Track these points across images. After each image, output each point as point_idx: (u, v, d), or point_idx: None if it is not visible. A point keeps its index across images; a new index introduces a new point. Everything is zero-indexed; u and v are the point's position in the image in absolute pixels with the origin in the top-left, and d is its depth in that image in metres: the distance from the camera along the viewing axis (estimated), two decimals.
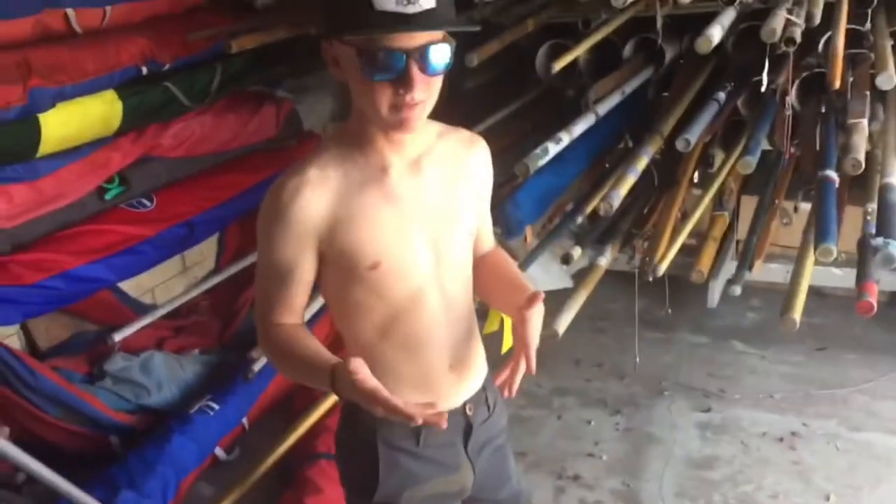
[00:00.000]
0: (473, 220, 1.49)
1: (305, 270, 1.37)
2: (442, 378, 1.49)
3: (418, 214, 1.39)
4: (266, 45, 3.11)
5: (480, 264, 1.57)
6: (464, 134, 1.49)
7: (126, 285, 3.20)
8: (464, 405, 1.53)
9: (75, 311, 3.07)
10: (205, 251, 3.66)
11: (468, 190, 1.47)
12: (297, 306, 1.41)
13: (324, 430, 2.80)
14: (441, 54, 1.25)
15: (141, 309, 3.24)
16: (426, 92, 1.27)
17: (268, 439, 2.78)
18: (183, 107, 3.03)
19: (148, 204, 3.09)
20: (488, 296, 1.60)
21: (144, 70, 2.81)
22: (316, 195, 1.32)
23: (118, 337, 2.98)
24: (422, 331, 1.45)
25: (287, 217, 1.32)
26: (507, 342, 1.91)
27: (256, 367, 2.87)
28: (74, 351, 2.97)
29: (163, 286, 3.47)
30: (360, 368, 1.20)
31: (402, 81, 1.23)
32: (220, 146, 3.35)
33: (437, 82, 1.30)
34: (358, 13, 1.20)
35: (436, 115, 1.37)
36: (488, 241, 1.62)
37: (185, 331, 3.32)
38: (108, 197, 2.97)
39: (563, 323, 2.70)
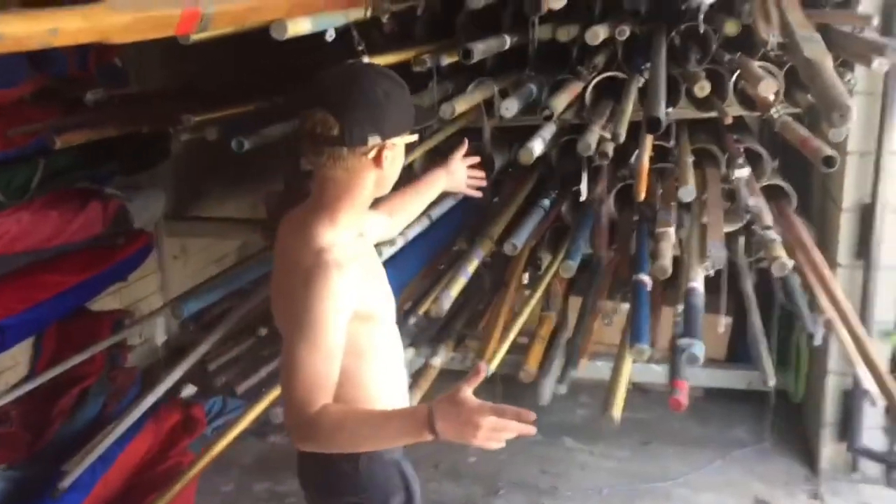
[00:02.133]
0: None
1: (343, 346, 1.56)
2: None
3: (379, 266, 1.79)
4: (95, 141, 3.02)
5: (391, 208, 2.00)
6: None
7: None
8: None
9: None
10: (17, 356, 3.41)
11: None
12: (334, 387, 1.54)
13: None
14: None
15: None
16: None
17: None
18: None
19: None
20: (419, 205, 2.12)
21: None
22: (350, 270, 1.55)
23: None
24: (402, 361, 1.84)
25: (342, 294, 1.53)
26: None
27: (67, 482, 2.66)
28: None
29: None
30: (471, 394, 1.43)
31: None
32: (39, 244, 3.17)
33: None
34: (411, 114, 1.65)
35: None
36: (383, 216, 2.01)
37: None
38: None
39: None
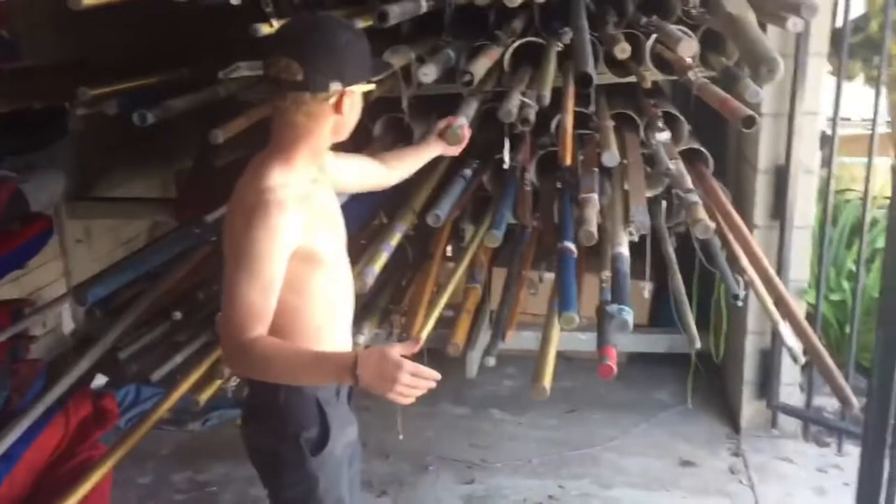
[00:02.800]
0: None
1: (281, 281, 1.63)
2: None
3: (335, 211, 1.85)
4: None
5: (395, 162, 2.24)
6: None
7: None
8: None
9: None
10: None
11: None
12: (269, 319, 1.62)
13: None
14: None
15: None
16: None
17: None
18: None
19: None
20: (417, 163, 2.31)
21: None
22: (293, 211, 1.62)
23: None
24: (350, 303, 1.91)
25: (282, 232, 1.59)
26: None
27: None
28: None
29: None
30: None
31: None
32: None
33: None
34: (370, 64, 1.76)
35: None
36: (373, 163, 2.19)
37: None
38: None
39: None
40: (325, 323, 1.82)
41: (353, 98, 1.70)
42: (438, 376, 1.56)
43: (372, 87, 1.79)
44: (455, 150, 2.39)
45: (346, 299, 1.91)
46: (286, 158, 1.69)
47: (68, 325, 4.30)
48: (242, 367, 1.69)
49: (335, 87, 1.64)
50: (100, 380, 3.53)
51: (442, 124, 2.35)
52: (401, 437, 3.25)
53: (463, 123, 2.40)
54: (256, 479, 1.94)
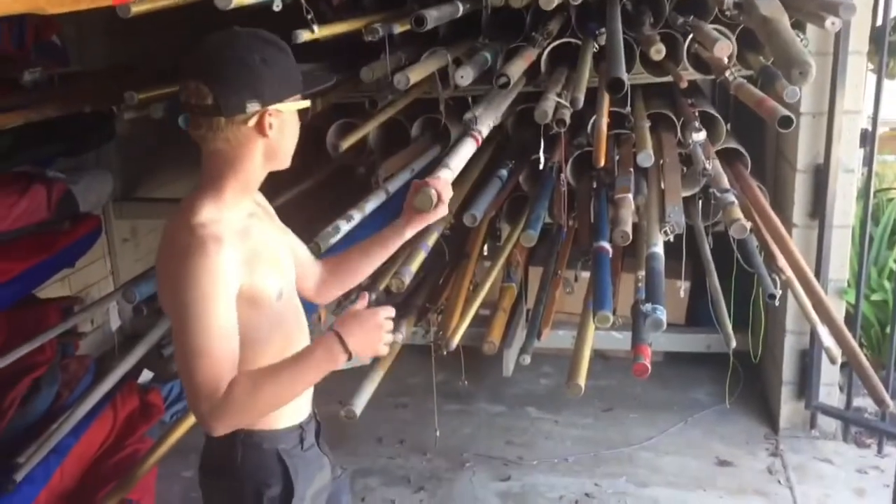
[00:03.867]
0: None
1: (236, 321, 1.47)
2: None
3: (278, 246, 1.66)
4: (35, 123, 2.90)
5: (335, 267, 1.89)
6: None
7: None
8: (313, 409, 1.79)
9: None
10: None
11: (279, 226, 1.76)
12: (237, 362, 1.46)
13: None
14: None
15: None
16: None
17: None
18: None
19: None
20: (365, 268, 1.89)
21: None
22: (232, 241, 1.48)
23: None
24: (301, 346, 1.65)
25: (222, 269, 1.43)
26: None
27: (20, 475, 2.58)
28: None
29: None
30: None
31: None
32: None
33: None
34: (300, 76, 1.56)
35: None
36: (311, 257, 1.90)
37: None
38: None
39: (360, 402, 2.65)
40: None
41: (281, 118, 1.52)
42: (392, 310, 1.54)
43: (305, 103, 1.58)
44: (430, 218, 1.83)
45: (299, 343, 1.69)
46: (216, 193, 1.52)
47: (115, 322, 4.40)
48: (231, 421, 1.45)
49: (252, 107, 1.47)
50: (146, 375, 3.61)
51: (411, 192, 1.83)
52: (437, 433, 3.29)
53: (442, 181, 1.87)
54: None
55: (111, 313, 4.40)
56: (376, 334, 1.47)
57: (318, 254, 2.74)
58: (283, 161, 1.60)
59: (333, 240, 2.75)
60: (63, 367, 3.41)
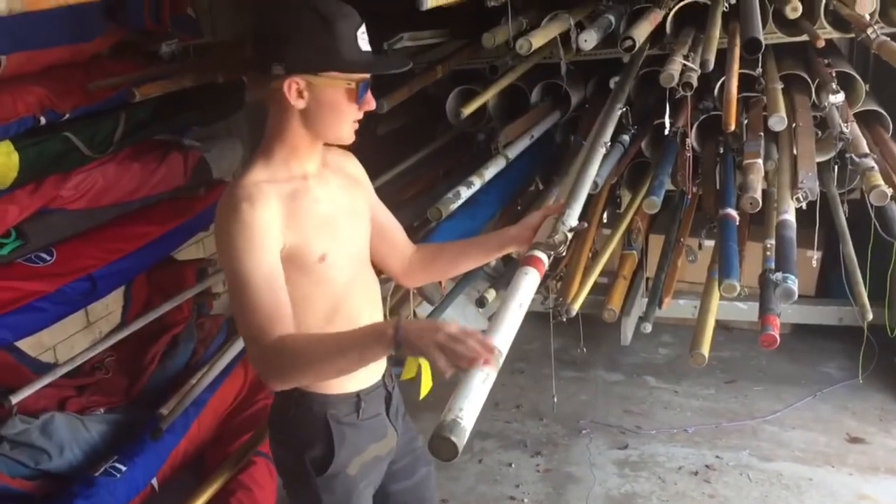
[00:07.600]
0: (369, 220, 1.75)
1: (282, 274, 1.50)
2: None
3: (338, 212, 1.63)
4: (171, 93, 3.05)
5: (429, 255, 1.88)
6: (337, 149, 1.72)
7: (24, 344, 3.04)
8: (383, 377, 1.75)
9: None
10: (110, 305, 3.52)
11: (361, 194, 1.75)
12: (289, 315, 1.49)
13: (239, 486, 2.71)
14: None
15: (41, 368, 3.07)
16: None
17: (180, 499, 2.67)
18: (84, 157, 2.92)
19: (47, 258, 2.95)
20: (459, 266, 1.91)
21: (42, 120, 2.71)
22: (271, 199, 1.50)
23: (15, 399, 2.81)
24: (356, 314, 1.66)
25: (257, 224, 1.47)
26: (426, 387, 1.91)
27: (165, 424, 2.76)
28: None
29: (65, 343, 3.30)
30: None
31: (367, 103, 1.56)
32: (124, 196, 3.24)
33: None
34: (350, 53, 1.49)
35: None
36: (406, 238, 1.89)
37: (88, 389, 3.17)
38: (3, 252, 2.83)
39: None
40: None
41: (315, 90, 1.50)
42: (497, 350, 1.32)
43: (344, 81, 1.51)
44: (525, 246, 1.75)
45: (354, 312, 1.67)
46: (265, 155, 1.57)
47: None
48: (280, 373, 1.49)
49: (277, 69, 1.47)
50: None
51: (537, 217, 1.78)
52: (555, 399, 3.30)
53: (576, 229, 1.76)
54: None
55: None
56: (429, 334, 1.32)
57: (438, 218, 2.79)
58: (326, 133, 1.57)
59: (454, 206, 2.79)
60: (199, 325, 3.60)
